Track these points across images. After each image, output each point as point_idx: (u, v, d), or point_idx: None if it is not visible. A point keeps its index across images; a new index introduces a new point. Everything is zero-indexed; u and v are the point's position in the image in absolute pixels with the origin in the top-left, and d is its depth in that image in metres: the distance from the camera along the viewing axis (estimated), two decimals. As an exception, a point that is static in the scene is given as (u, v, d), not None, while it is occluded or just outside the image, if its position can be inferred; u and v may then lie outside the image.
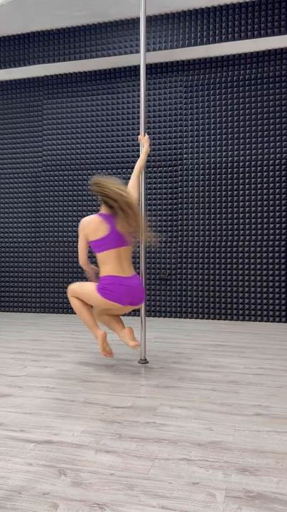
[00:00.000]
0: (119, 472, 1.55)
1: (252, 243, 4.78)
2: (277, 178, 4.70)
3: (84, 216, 5.22)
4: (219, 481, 1.49)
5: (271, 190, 4.72)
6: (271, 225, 4.72)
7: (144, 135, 3.12)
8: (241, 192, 4.80)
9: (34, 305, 5.48)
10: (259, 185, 4.75)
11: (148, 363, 3.04)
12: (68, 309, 5.34)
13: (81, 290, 2.92)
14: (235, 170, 4.81)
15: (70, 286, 2.98)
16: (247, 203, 4.78)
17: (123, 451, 1.72)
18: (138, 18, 4.71)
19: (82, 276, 5.29)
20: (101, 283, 2.82)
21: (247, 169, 4.78)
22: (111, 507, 1.34)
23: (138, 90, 5.05)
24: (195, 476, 1.53)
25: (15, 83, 5.52)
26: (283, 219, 4.69)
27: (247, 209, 4.79)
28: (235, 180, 4.82)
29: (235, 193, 4.82)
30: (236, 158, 4.81)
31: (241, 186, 4.80)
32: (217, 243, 4.87)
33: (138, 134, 2.93)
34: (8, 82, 5.53)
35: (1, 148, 5.59)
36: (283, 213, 4.69)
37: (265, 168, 4.74)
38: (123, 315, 3.09)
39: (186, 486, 1.46)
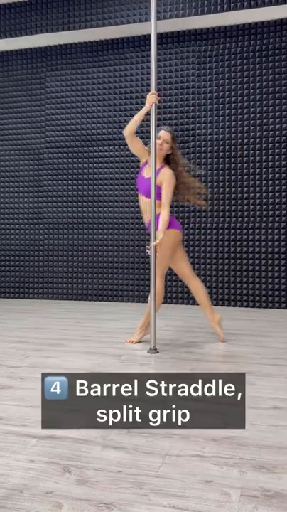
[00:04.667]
0: (127, 469, 1.55)
1: (276, 224, 4.66)
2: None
3: (90, 195, 5.15)
4: (234, 478, 1.49)
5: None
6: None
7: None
8: (257, 170, 4.73)
9: (36, 291, 5.51)
10: (277, 163, 4.68)
11: (158, 352, 3.01)
12: (73, 295, 5.32)
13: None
14: (251, 147, 4.75)
15: None
16: (264, 182, 4.69)
17: (132, 447, 1.72)
18: (148, -18, 4.61)
19: (83, 260, 5.13)
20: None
21: (264, 145, 4.71)
22: (118, 507, 1.33)
23: (148, 61, 5.00)
24: (209, 473, 1.52)
25: (16, 54, 5.47)
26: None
27: (271, 188, 4.66)
28: (251, 158, 4.75)
29: (251, 171, 4.75)
30: (252, 134, 4.74)
31: (257, 164, 4.74)
32: (238, 224, 4.75)
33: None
34: (9, 53, 5.48)
35: (2, 123, 5.56)
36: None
37: (284, 144, 4.66)
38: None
39: (199, 484, 1.46)
